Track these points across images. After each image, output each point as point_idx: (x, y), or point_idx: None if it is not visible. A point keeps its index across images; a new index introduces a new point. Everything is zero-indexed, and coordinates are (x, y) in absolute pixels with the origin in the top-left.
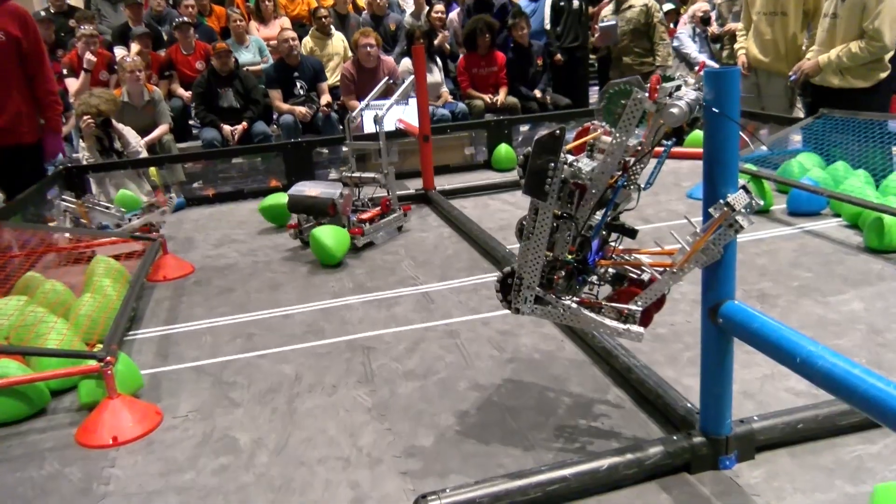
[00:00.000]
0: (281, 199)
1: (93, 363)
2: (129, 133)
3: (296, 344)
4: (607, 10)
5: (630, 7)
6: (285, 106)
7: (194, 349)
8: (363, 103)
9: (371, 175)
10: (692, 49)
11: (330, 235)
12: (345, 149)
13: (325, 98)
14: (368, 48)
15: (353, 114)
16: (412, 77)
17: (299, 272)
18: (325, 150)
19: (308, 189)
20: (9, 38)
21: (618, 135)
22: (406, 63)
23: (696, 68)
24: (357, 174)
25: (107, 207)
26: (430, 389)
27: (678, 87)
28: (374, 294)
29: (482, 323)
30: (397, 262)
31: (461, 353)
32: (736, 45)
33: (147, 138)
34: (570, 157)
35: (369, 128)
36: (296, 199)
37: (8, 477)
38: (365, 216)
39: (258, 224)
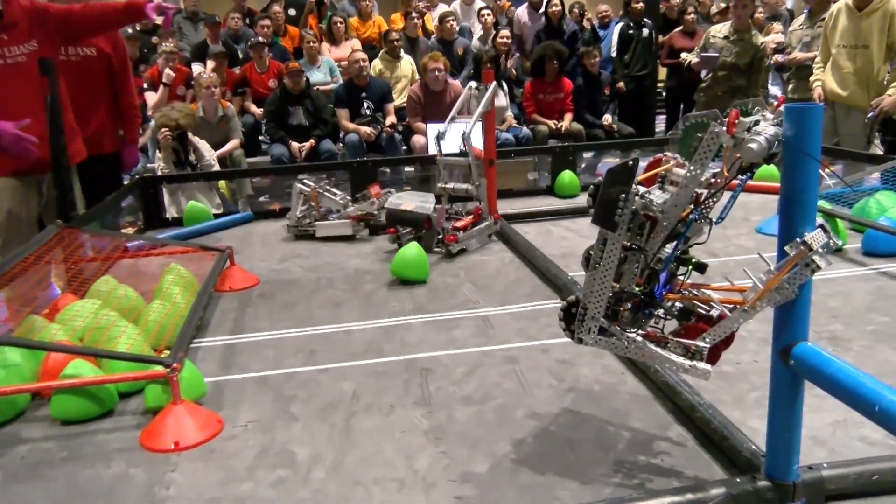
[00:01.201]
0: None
1: (160, 368)
2: (204, 146)
3: (355, 361)
4: (717, 32)
5: (742, 40)
6: (351, 125)
7: (257, 360)
8: (449, 116)
9: (464, 186)
10: (773, 87)
11: (411, 263)
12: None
13: (391, 119)
14: (437, 72)
15: (442, 128)
16: (494, 84)
17: (361, 291)
18: (388, 170)
19: (404, 202)
20: (101, 54)
21: (692, 167)
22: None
23: (775, 103)
24: (451, 185)
25: (334, 194)
26: (487, 416)
27: (756, 122)
28: (434, 315)
29: (541, 350)
30: (458, 284)
31: (519, 381)
32: (812, 78)
33: (219, 152)
34: (642, 189)
35: (432, 149)
36: (392, 214)
37: (79, 475)
38: (459, 224)
39: (321, 240)
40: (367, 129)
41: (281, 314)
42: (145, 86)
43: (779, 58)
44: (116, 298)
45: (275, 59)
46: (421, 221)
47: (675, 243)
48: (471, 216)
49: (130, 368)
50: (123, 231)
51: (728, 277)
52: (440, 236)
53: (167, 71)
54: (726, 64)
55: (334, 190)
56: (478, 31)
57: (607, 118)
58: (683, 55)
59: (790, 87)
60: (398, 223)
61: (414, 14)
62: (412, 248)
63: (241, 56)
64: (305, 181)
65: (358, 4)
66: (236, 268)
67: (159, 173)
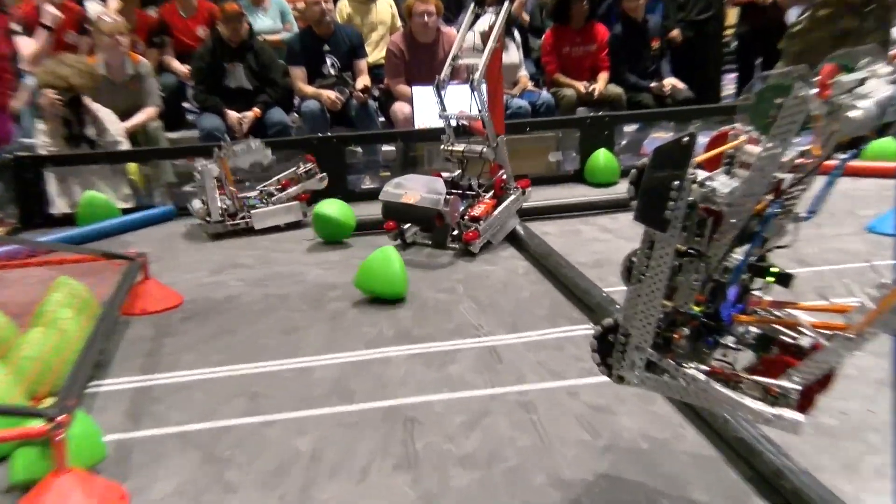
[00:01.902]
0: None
1: (38, 423)
2: (107, 116)
3: (315, 409)
4: None
5: None
6: (310, 89)
7: (179, 409)
8: (451, 56)
9: (478, 147)
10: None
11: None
12: (425, 125)
13: (363, 80)
14: (426, 16)
15: (443, 76)
16: (507, 5)
17: (324, 312)
18: (359, 149)
19: (406, 192)
20: None
21: (770, 145)
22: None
23: (892, 52)
24: (460, 147)
25: (249, 146)
26: (494, 483)
27: (862, 81)
28: (423, 346)
29: (568, 393)
30: (454, 303)
31: (538, 435)
32: None
33: (128, 123)
34: (702, 174)
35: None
36: (392, 208)
37: None
38: (476, 212)
39: (272, 244)
40: (331, 94)
41: (213, 345)
42: (15, 28)
43: None
44: None
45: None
46: (430, 218)
47: (747, 247)
48: (489, 193)
49: None
50: None
51: (824, 294)
52: (455, 232)
53: (49, 8)
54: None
55: (251, 141)
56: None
57: (672, 82)
58: None
59: None
60: (399, 219)
61: None
62: (383, 254)
63: None
64: (204, 160)
65: None
66: (152, 282)
67: (42, 152)
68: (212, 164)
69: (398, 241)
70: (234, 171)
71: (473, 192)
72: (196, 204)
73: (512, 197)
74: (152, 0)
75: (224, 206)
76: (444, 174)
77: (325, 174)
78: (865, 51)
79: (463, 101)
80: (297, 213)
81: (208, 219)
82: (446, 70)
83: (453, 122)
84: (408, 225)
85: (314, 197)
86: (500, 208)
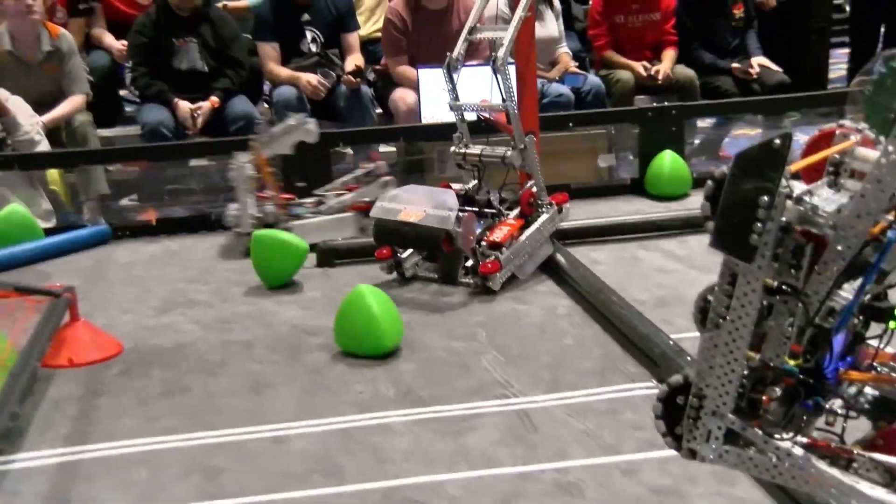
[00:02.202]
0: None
1: None
2: (19, 107)
3: (292, 491)
4: None
5: None
6: (285, 71)
7: (117, 490)
8: (465, 30)
9: (499, 152)
10: None
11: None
12: (434, 119)
13: (354, 60)
14: None
15: (455, 54)
16: None
17: (303, 363)
18: (349, 150)
19: (405, 208)
20: None
21: (891, 148)
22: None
23: None
24: (477, 150)
25: (287, 125)
26: None
27: None
28: (432, 409)
29: (623, 472)
30: (473, 354)
31: None
32: None
33: (48, 117)
34: (799, 186)
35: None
36: (387, 227)
37: None
38: (497, 236)
39: (234, 274)
40: (312, 78)
41: (160, 406)
42: None
43: None
44: None
45: None
46: (436, 241)
47: (860, 282)
48: (517, 212)
49: None
50: None
51: None
52: (469, 262)
53: None
54: None
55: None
56: None
57: (761, 61)
58: None
59: None
60: (397, 244)
61: None
62: (356, 300)
63: None
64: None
65: None
66: (82, 325)
67: None
68: (246, 162)
69: (394, 275)
70: (274, 162)
71: (494, 210)
72: (232, 209)
73: (544, 216)
74: None
75: (260, 215)
76: (456, 186)
77: (392, 177)
78: None
79: (483, 88)
80: (351, 226)
81: (239, 230)
82: (461, 46)
83: (469, 116)
84: (407, 252)
85: None
86: (528, 231)
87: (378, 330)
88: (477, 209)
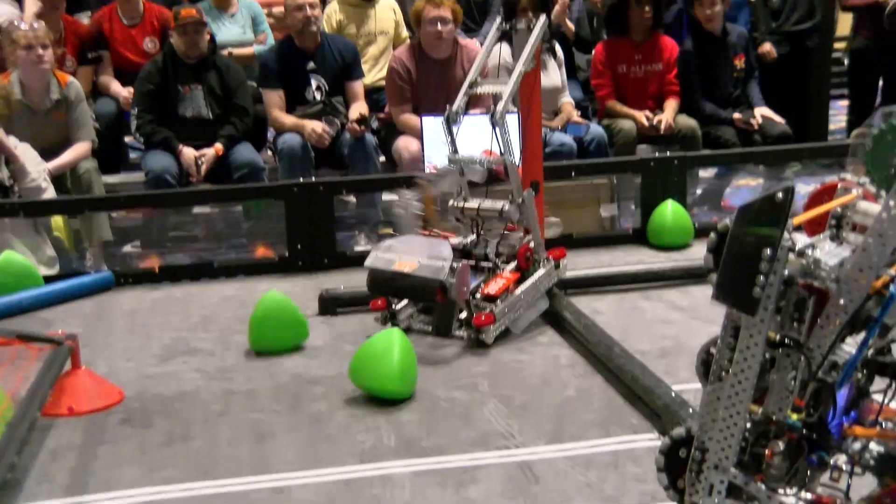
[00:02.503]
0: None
1: None
2: (27, 154)
3: None
4: None
5: None
6: (289, 119)
7: None
8: (466, 82)
9: (497, 206)
10: None
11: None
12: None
13: (359, 108)
14: (439, 24)
15: (455, 106)
16: (543, 19)
17: (305, 413)
18: (352, 198)
19: (400, 258)
20: None
21: (893, 203)
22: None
23: None
24: (475, 204)
25: (473, 161)
26: None
27: None
28: (434, 460)
29: None
30: (475, 404)
31: None
32: None
33: (54, 164)
34: (802, 239)
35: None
36: (380, 278)
37: None
38: (492, 289)
39: (235, 322)
40: (317, 126)
41: (161, 456)
42: None
43: None
44: None
45: (154, 2)
46: (430, 291)
47: (863, 336)
48: (513, 265)
49: None
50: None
51: None
52: (463, 314)
53: None
54: None
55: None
56: None
57: (763, 112)
58: None
59: None
60: (390, 293)
61: None
62: (385, 339)
63: None
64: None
65: None
66: (84, 373)
67: None
68: (412, 199)
69: (387, 325)
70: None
71: (490, 264)
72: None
73: (541, 272)
74: (84, 3)
75: None
76: (454, 238)
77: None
78: None
79: (486, 137)
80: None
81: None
82: (461, 100)
83: (473, 170)
84: (402, 303)
85: None
86: (524, 286)
87: (404, 370)
88: (474, 262)
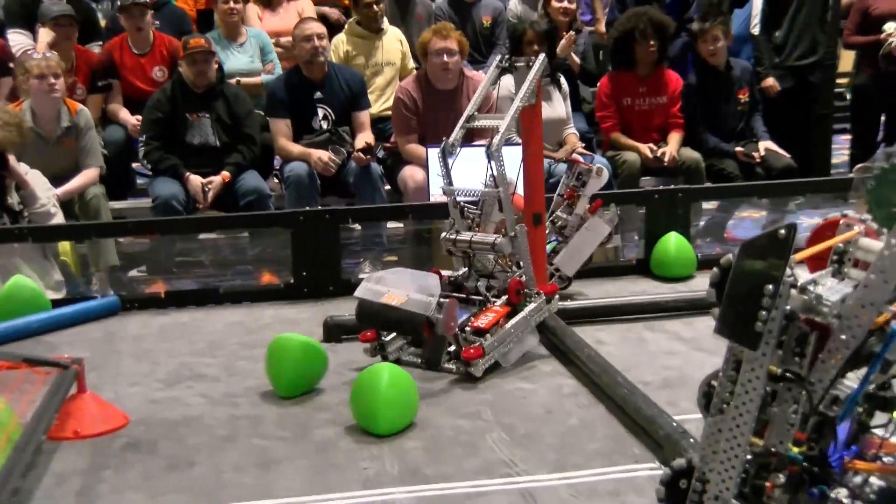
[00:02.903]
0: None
1: None
2: (36, 180)
3: None
4: None
5: None
6: (296, 148)
7: None
8: (464, 116)
9: (490, 239)
10: None
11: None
12: (443, 197)
13: (365, 137)
14: (446, 56)
15: (452, 139)
16: (542, 57)
17: (309, 440)
18: (358, 226)
19: (390, 291)
20: None
21: (894, 242)
22: (508, 84)
23: None
24: (467, 237)
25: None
26: None
27: None
28: (438, 487)
29: None
30: (479, 431)
31: None
32: None
33: (63, 190)
34: (804, 275)
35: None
36: (370, 308)
37: None
38: (482, 322)
39: (240, 348)
40: (323, 155)
41: (165, 482)
42: None
43: None
44: None
45: (164, 32)
46: (416, 326)
47: (865, 372)
48: (503, 300)
49: None
50: None
51: None
52: (452, 347)
53: None
54: None
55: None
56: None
57: (767, 145)
58: (888, 27)
59: None
60: (379, 327)
61: None
62: (382, 373)
63: (103, 24)
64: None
65: None
66: (89, 396)
67: None
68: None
69: (377, 357)
70: None
71: (481, 297)
72: None
73: (532, 305)
74: (96, 33)
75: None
76: (446, 272)
77: (601, 166)
78: None
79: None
80: (604, 227)
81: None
82: (457, 132)
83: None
84: (391, 335)
85: None
86: (514, 320)
87: (404, 400)
88: (465, 296)
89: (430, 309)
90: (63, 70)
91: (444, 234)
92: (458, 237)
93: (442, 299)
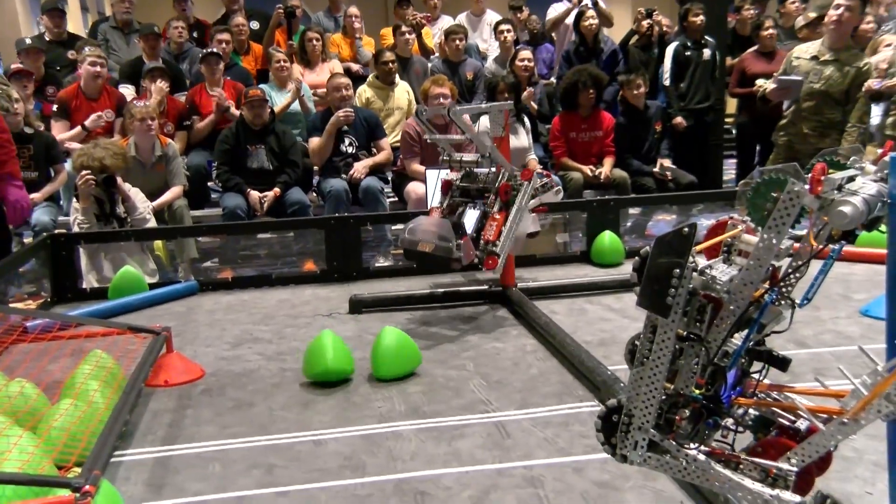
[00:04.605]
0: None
1: (65, 494)
2: (137, 196)
3: (328, 481)
4: (802, 52)
5: (837, 60)
6: (322, 140)
7: (198, 480)
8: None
9: (474, 158)
10: (874, 117)
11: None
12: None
13: (385, 155)
14: (441, 99)
15: (424, 110)
16: (509, 105)
17: (337, 386)
18: (370, 227)
19: (420, 240)
20: None
21: (766, 236)
22: (485, 122)
23: (881, 151)
24: (458, 156)
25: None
26: None
27: (852, 178)
28: (433, 421)
29: (574, 470)
30: (464, 380)
31: None
32: None
33: (157, 203)
34: (702, 262)
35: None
36: (412, 252)
37: None
38: (490, 234)
39: (287, 319)
40: (340, 113)
41: (231, 417)
42: (55, 109)
43: (872, 84)
44: (7, 397)
45: (233, 81)
46: (446, 262)
47: (746, 332)
48: (497, 205)
49: (22, 495)
50: (19, 306)
51: (820, 377)
52: (467, 262)
53: (99, 116)
54: (814, 92)
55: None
56: (493, 50)
57: (664, 163)
58: (759, 82)
59: (890, 120)
60: (419, 261)
61: (404, 28)
62: (390, 336)
63: (187, 80)
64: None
65: (339, 18)
66: (175, 355)
67: (76, 229)
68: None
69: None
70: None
71: (482, 191)
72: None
73: (519, 196)
74: (181, 85)
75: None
76: (448, 174)
77: (560, 187)
78: (851, 150)
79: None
80: (536, 224)
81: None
82: (431, 111)
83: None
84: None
85: None
86: (511, 215)
87: (407, 355)
88: (469, 198)
89: (453, 252)
90: (157, 114)
91: (443, 158)
92: (453, 156)
93: (458, 241)
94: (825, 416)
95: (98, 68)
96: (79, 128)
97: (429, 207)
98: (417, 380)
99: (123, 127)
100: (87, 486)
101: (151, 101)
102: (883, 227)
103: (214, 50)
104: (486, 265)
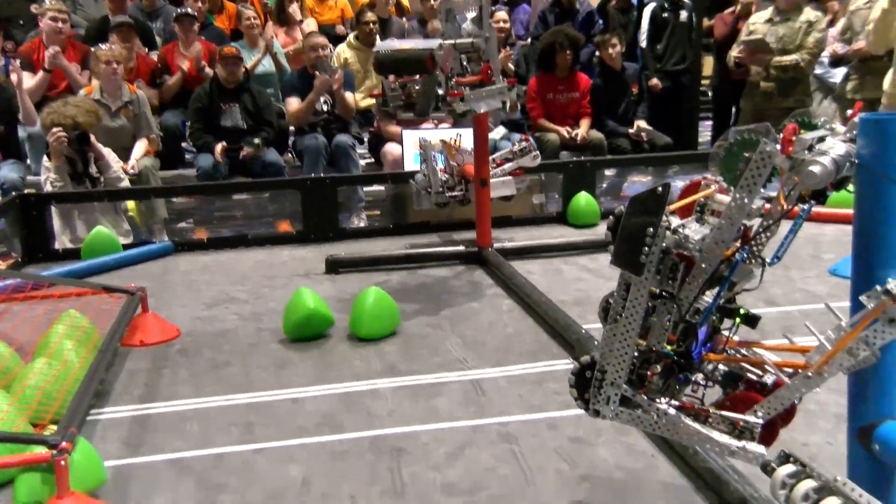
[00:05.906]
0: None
1: (42, 450)
2: (110, 155)
3: (306, 438)
4: (758, 19)
5: (788, 20)
6: (301, 104)
7: (175, 438)
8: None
9: (468, 41)
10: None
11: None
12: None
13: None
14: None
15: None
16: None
17: (315, 345)
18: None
19: (400, 44)
20: None
21: (738, 195)
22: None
23: (850, 112)
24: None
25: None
26: None
27: (822, 139)
28: (410, 379)
29: (548, 426)
30: (441, 339)
31: (519, 465)
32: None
33: (132, 160)
34: (675, 221)
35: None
36: (386, 57)
37: None
38: (464, 80)
39: (263, 279)
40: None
41: (208, 377)
42: (18, 63)
43: (837, 48)
44: None
45: (207, 42)
46: (422, 61)
47: (717, 290)
48: (477, 76)
49: None
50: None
51: (788, 335)
52: (441, 92)
53: (52, 50)
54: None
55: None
56: (471, 12)
57: (640, 124)
58: (732, 52)
59: (850, 85)
60: (391, 69)
61: None
62: (371, 295)
63: (159, 38)
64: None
65: None
66: (150, 315)
67: (48, 188)
68: (434, 139)
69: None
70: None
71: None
72: (419, 177)
73: (499, 86)
74: (152, 42)
75: (444, 179)
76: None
77: (538, 152)
78: (822, 111)
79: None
80: (511, 187)
81: (429, 189)
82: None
83: None
84: (395, 91)
85: None
86: (486, 88)
87: (386, 316)
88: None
89: (434, 46)
90: (125, 60)
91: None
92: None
93: (443, 44)
94: (791, 370)
95: (59, 24)
96: (41, 72)
97: (404, 166)
98: (395, 339)
99: (90, 78)
100: (63, 443)
101: (117, 46)
102: (851, 187)
103: (189, 11)
104: (452, 93)
